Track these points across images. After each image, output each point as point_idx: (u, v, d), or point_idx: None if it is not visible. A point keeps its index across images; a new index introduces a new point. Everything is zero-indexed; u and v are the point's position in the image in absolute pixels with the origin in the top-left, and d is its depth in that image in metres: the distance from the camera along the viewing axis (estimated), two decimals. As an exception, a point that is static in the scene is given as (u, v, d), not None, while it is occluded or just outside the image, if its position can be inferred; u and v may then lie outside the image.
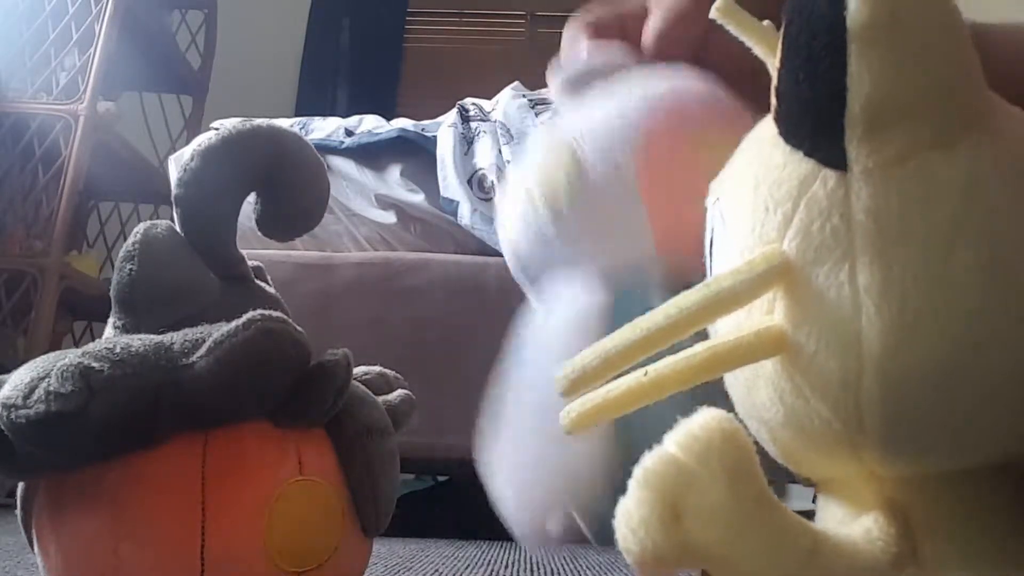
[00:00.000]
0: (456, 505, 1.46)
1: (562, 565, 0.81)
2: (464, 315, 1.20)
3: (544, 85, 0.56)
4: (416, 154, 1.31)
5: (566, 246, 0.44)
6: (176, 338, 0.38)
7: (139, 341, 0.38)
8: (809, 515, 0.30)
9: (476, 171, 1.26)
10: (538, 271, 0.47)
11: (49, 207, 1.65)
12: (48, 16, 1.79)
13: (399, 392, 0.52)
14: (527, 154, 0.48)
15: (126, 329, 0.43)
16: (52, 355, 0.38)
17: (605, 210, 0.43)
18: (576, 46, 0.52)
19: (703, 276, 0.30)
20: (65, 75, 1.73)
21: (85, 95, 1.67)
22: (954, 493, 0.28)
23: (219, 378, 0.37)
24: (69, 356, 0.36)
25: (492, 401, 0.41)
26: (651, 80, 0.47)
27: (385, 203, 1.31)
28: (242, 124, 0.47)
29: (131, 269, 0.43)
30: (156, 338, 0.38)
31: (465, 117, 1.33)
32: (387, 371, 0.55)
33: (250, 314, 0.38)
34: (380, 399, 0.48)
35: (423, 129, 1.34)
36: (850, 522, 0.29)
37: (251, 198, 0.49)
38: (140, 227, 0.45)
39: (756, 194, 0.29)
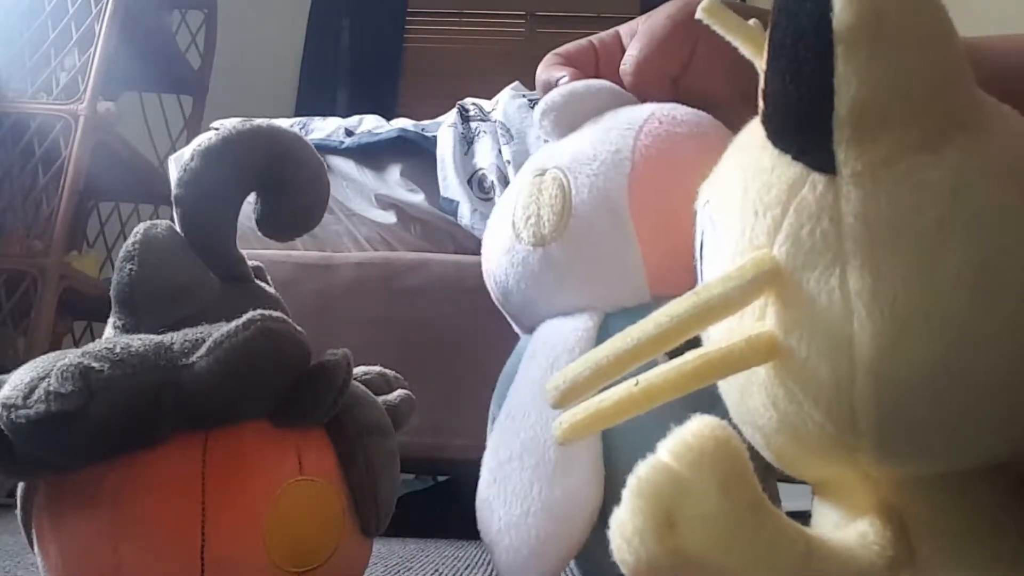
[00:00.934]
0: (456, 505, 1.46)
1: (562, 565, 0.81)
2: (464, 315, 1.20)
3: (544, 85, 0.56)
4: (416, 154, 1.31)
5: (552, 281, 0.42)
6: (176, 338, 0.38)
7: (139, 341, 0.38)
8: (801, 516, 0.30)
9: (476, 171, 1.26)
10: (522, 305, 0.44)
11: (49, 207, 1.65)
12: (48, 16, 1.78)
13: (399, 392, 0.52)
14: (512, 186, 0.45)
15: (126, 329, 0.43)
16: (52, 355, 0.38)
17: (594, 244, 0.40)
18: (551, 75, 0.50)
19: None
20: (65, 75, 1.73)
21: (85, 95, 1.67)
22: (949, 495, 0.27)
23: (219, 378, 0.37)
24: (69, 356, 0.36)
25: (487, 431, 0.41)
26: (637, 111, 0.45)
27: (385, 203, 1.31)
28: (242, 124, 0.47)
29: (131, 269, 0.43)
30: (156, 338, 0.38)
31: (465, 117, 1.33)
32: (387, 371, 0.55)
33: (250, 314, 0.38)
34: (380, 399, 0.48)
35: (423, 129, 1.34)
36: (846, 526, 0.28)
37: (251, 198, 0.49)
38: (140, 227, 0.45)
39: (745, 198, 0.29)
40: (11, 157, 1.69)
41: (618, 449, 0.38)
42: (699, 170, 0.33)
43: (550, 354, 0.39)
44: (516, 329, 0.48)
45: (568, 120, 0.45)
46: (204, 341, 0.37)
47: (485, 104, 1.37)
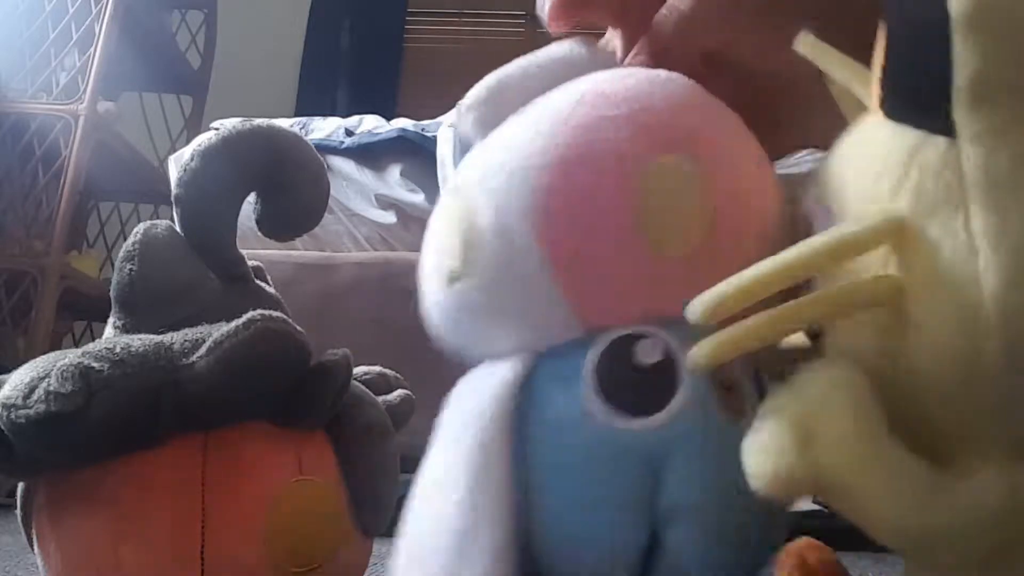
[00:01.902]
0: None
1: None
2: (464, 315, 1.20)
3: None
4: (416, 154, 1.31)
5: (469, 323, 0.36)
6: (176, 338, 0.38)
7: (139, 341, 0.38)
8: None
9: (476, 171, 1.26)
10: (457, 348, 0.39)
11: (49, 207, 1.65)
12: (48, 16, 1.78)
13: (399, 392, 0.52)
14: (437, 206, 0.38)
15: (126, 329, 0.43)
16: (52, 355, 0.38)
17: (503, 279, 0.34)
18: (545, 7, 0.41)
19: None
20: (65, 75, 1.73)
21: (85, 95, 1.67)
22: None
23: (219, 378, 0.37)
24: (69, 356, 0.36)
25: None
26: (570, 91, 0.34)
27: (385, 203, 1.31)
28: (242, 124, 0.47)
29: (131, 269, 0.43)
30: (156, 338, 0.38)
31: (465, 117, 1.33)
32: (387, 371, 0.55)
33: (250, 314, 0.38)
34: (380, 399, 0.48)
35: (423, 129, 1.34)
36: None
37: (251, 198, 0.49)
38: (140, 227, 0.45)
39: (861, 171, 0.32)
40: (11, 157, 1.69)
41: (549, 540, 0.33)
42: (640, 162, 0.31)
43: (462, 418, 0.34)
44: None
45: (495, 118, 0.37)
46: (204, 341, 0.37)
47: (485, 104, 1.37)
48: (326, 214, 0.53)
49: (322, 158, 0.53)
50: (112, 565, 0.37)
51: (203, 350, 0.37)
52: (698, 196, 0.33)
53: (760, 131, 0.35)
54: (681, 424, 0.31)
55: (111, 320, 0.45)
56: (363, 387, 0.47)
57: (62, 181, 1.64)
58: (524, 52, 0.39)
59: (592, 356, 0.33)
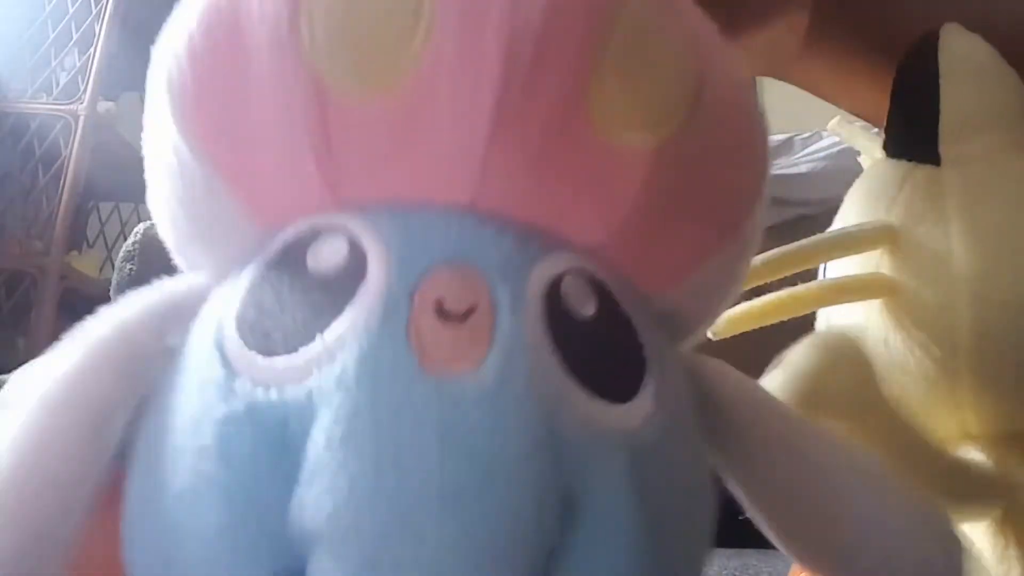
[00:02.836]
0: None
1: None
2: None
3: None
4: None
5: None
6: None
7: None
8: None
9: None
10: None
11: (49, 207, 1.65)
12: (48, 16, 1.79)
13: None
14: None
15: (126, 329, 0.43)
16: (52, 355, 0.38)
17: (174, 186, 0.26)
18: None
19: None
20: (65, 75, 1.73)
21: (85, 95, 1.67)
22: None
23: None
24: (69, 356, 0.36)
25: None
26: None
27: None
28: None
29: (131, 269, 0.43)
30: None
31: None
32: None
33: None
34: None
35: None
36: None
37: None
38: (140, 227, 0.45)
39: (865, 196, 0.39)
40: (11, 157, 1.69)
41: None
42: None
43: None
44: None
45: None
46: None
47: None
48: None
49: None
50: (112, 564, 0.37)
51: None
52: (679, 49, 0.26)
53: None
54: (329, 373, 0.20)
55: (111, 320, 0.45)
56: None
57: (62, 181, 1.64)
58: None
59: (248, 274, 0.24)
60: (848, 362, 0.32)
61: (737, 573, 0.90)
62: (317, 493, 0.19)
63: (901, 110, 0.39)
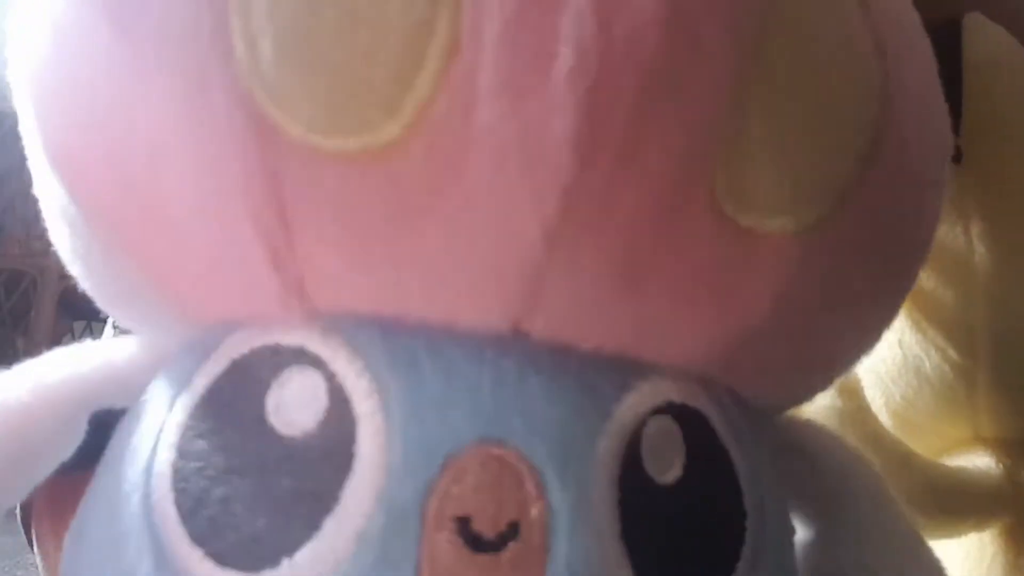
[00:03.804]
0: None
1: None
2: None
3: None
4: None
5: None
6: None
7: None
8: None
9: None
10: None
11: (48, 207, 1.66)
12: (47, 16, 1.78)
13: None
14: None
15: (126, 329, 0.43)
16: (52, 355, 0.38)
17: (85, 259, 0.22)
18: None
19: None
20: (64, 75, 1.73)
21: (84, 95, 1.67)
22: None
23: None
24: (69, 356, 0.36)
25: None
26: None
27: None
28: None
29: (131, 268, 0.43)
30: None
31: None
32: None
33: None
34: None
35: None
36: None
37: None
38: (139, 226, 0.45)
39: None
40: (11, 157, 1.69)
41: None
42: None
43: None
44: None
45: None
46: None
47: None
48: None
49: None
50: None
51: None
52: (862, 65, 0.17)
53: None
54: None
55: (111, 320, 0.45)
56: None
57: (61, 181, 1.64)
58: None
59: (180, 407, 0.17)
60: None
61: None
62: None
63: None
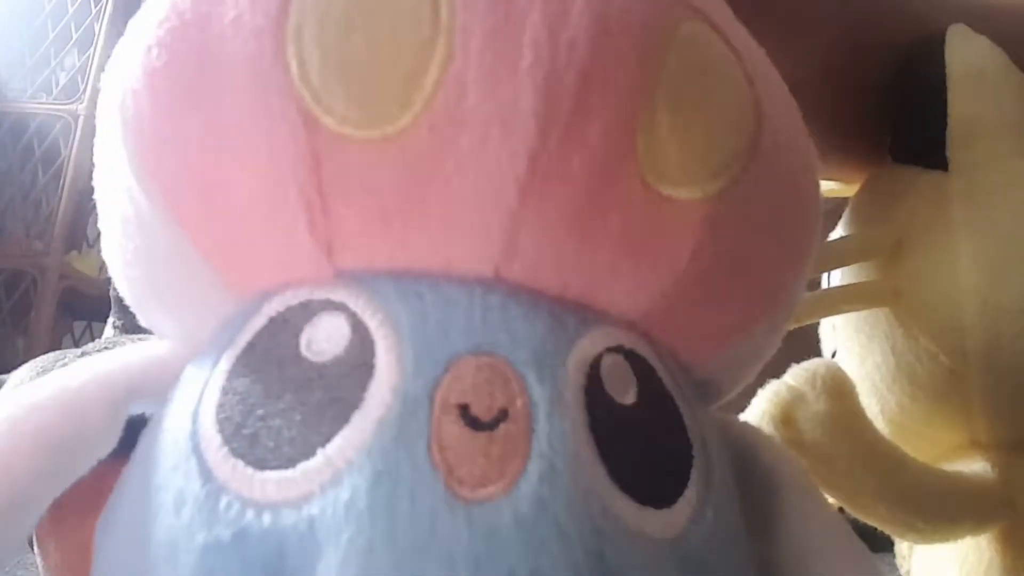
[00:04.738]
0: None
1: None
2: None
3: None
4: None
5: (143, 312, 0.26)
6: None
7: (139, 341, 0.38)
8: None
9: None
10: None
11: (49, 207, 1.65)
12: (47, 16, 1.78)
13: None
14: None
15: (126, 329, 0.43)
16: (52, 355, 0.38)
17: (140, 244, 0.23)
18: None
19: None
20: (65, 75, 1.73)
21: (85, 95, 1.67)
22: None
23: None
24: (69, 356, 0.36)
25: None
26: None
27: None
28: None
29: (131, 269, 0.43)
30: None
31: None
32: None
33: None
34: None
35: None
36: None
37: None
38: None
39: (868, 203, 0.39)
40: (11, 157, 1.69)
41: None
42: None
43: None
44: None
45: None
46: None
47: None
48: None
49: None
50: None
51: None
52: (738, 83, 0.23)
53: None
54: (335, 498, 0.17)
55: (111, 320, 0.45)
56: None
57: (62, 181, 1.64)
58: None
59: (228, 356, 0.20)
60: (824, 384, 0.31)
61: None
62: None
63: (908, 114, 0.39)
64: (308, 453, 0.17)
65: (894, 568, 0.41)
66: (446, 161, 0.20)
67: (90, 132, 1.61)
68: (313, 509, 0.16)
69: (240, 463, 0.18)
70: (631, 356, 0.21)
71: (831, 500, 0.32)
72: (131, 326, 0.43)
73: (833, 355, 0.40)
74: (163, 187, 0.21)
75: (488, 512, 0.16)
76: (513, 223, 0.20)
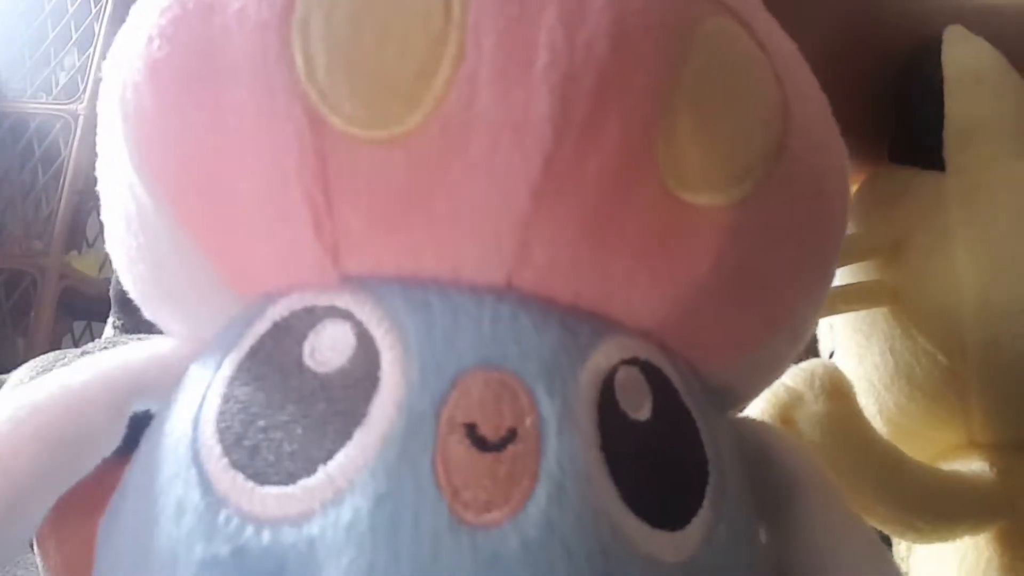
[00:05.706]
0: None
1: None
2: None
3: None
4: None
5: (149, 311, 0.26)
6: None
7: (138, 341, 0.38)
8: None
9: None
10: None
11: (49, 207, 1.65)
12: (47, 16, 1.78)
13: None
14: None
15: (126, 329, 0.43)
16: (52, 355, 0.38)
17: (146, 243, 0.23)
18: None
19: None
20: (64, 75, 1.73)
21: (85, 95, 1.67)
22: None
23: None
24: (69, 356, 0.36)
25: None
26: None
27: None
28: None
29: (131, 269, 0.43)
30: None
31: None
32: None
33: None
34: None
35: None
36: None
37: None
38: (140, 227, 0.45)
39: (865, 203, 0.39)
40: (10, 157, 1.69)
41: None
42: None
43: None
44: None
45: None
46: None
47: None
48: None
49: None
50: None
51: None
52: (765, 83, 0.22)
53: None
54: (337, 518, 0.16)
55: (111, 320, 0.45)
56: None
57: (61, 181, 1.64)
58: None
59: (230, 361, 0.20)
60: (823, 384, 0.31)
61: None
62: None
63: (906, 115, 0.39)
64: (309, 469, 0.17)
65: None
66: (456, 164, 0.19)
67: (90, 132, 1.61)
68: (313, 529, 0.16)
69: (240, 476, 0.17)
70: (646, 367, 0.20)
71: None
72: (131, 326, 0.43)
73: (831, 355, 0.40)
74: (165, 184, 0.20)
75: (493, 538, 0.16)
76: (525, 230, 0.19)
